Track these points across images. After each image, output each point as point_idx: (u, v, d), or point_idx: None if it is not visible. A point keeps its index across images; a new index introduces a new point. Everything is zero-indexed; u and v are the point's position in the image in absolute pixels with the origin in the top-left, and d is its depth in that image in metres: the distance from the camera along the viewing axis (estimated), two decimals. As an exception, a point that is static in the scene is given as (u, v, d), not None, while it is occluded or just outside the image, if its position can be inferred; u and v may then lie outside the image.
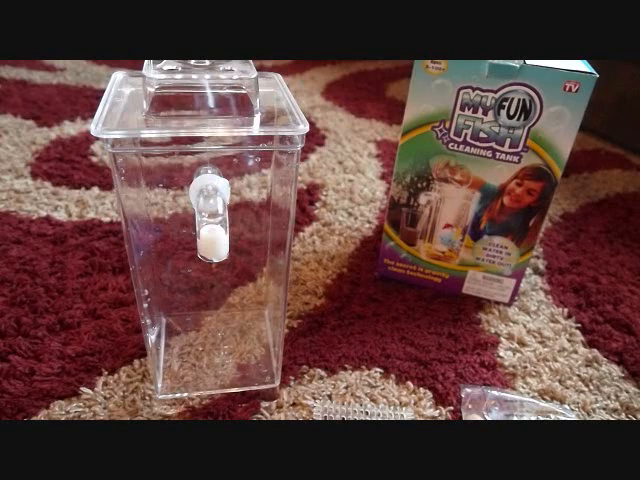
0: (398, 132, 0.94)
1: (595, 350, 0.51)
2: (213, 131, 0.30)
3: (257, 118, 0.32)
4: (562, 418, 0.43)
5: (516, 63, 0.43)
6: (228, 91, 0.31)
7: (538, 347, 0.51)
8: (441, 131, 0.48)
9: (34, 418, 0.40)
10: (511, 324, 0.54)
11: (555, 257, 0.65)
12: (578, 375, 0.48)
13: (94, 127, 0.28)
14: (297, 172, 0.34)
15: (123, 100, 0.32)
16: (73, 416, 0.41)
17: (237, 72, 0.31)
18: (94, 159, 0.76)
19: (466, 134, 0.48)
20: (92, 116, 0.85)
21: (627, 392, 0.47)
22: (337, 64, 1.29)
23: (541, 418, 0.43)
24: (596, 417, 0.45)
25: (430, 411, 0.44)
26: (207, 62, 0.32)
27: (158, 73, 0.30)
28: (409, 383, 0.46)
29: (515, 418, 0.43)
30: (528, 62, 0.43)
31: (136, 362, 0.45)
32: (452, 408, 0.44)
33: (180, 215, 0.44)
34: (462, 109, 0.47)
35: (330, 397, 0.44)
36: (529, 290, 0.59)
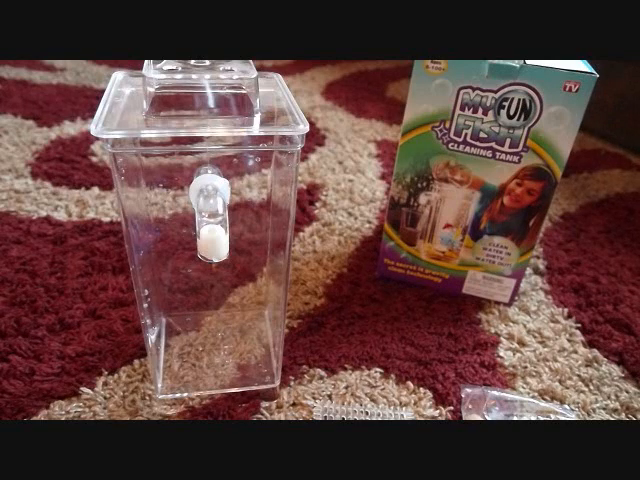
0: (398, 132, 0.94)
1: (595, 350, 0.51)
2: (213, 131, 0.30)
3: (257, 118, 0.32)
4: (562, 418, 0.43)
5: (516, 63, 0.43)
6: (228, 91, 0.31)
7: (538, 347, 0.51)
8: (441, 131, 0.48)
9: (34, 418, 0.40)
10: (511, 324, 0.54)
11: (555, 257, 0.65)
12: (578, 375, 0.48)
13: (94, 127, 0.28)
14: (297, 172, 0.34)
15: (123, 100, 0.32)
16: (73, 416, 0.41)
17: (237, 72, 0.31)
18: (94, 159, 0.76)
19: (466, 134, 0.48)
20: (92, 116, 0.85)
21: (627, 392, 0.47)
22: (337, 64, 1.29)
23: (541, 418, 0.43)
24: (596, 417, 0.45)
25: (430, 411, 0.44)
26: (207, 62, 0.32)
27: (158, 73, 0.30)
28: (409, 383, 0.46)
29: (515, 418, 0.43)
30: (528, 62, 0.43)
31: (136, 362, 0.45)
32: (452, 408, 0.44)
33: (180, 215, 0.44)
34: (462, 109, 0.47)
35: (330, 397, 0.44)
36: (529, 290, 0.59)
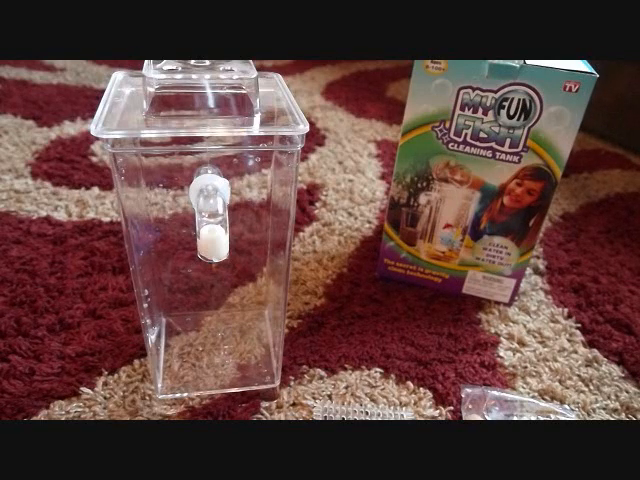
0: (398, 132, 0.94)
1: (595, 350, 0.51)
2: (213, 131, 0.30)
3: (257, 118, 0.32)
4: (562, 418, 0.43)
5: (516, 63, 0.43)
6: (228, 91, 0.31)
7: (538, 347, 0.51)
8: (441, 131, 0.48)
9: (34, 418, 0.40)
10: (511, 324, 0.54)
11: (555, 257, 0.65)
12: (578, 375, 0.48)
13: (94, 127, 0.28)
14: (297, 172, 0.34)
15: (123, 100, 0.32)
16: (73, 416, 0.41)
17: (237, 72, 0.31)
18: (94, 159, 0.76)
19: (466, 134, 0.48)
20: (92, 116, 0.85)
21: (627, 392, 0.47)
22: (337, 64, 1.29)
23: (541, 418, 0.43)
24: (596, 417, 0.45)
25: (430, 411, 0.44)
26: (207, 62, 0.32)
27: (158, 73, 0.30)
28: (409, 383, 0.46)
29: (515, 418, 0.43)
30: (528, 62, 0.43)
31: (136, 362, 0.45)
32: (452, 408, 0.44)
33: (180, 215, 0.44)
34: (462, 109, 0.47)
35: (330, 397, 0.44)
36: (529, 290, 0.59)
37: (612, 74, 0.90)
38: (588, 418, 0.44)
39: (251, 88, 0.31)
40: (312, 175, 0.78)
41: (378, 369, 0.47)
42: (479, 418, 0.43)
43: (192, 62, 0.31)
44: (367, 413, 0.43)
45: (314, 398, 0.44)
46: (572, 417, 0.44)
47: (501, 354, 0.50)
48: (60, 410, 0.41)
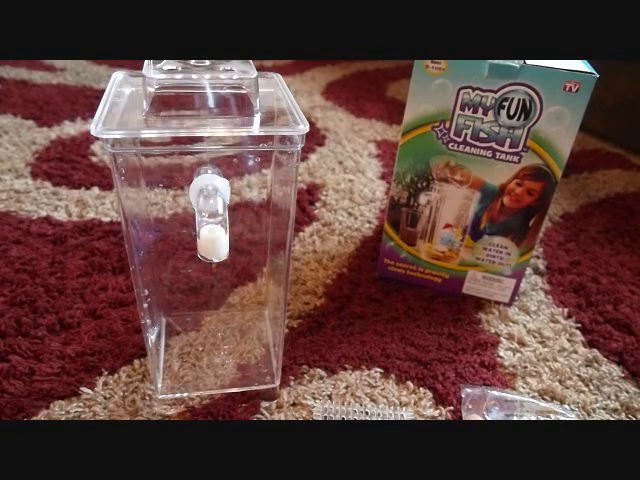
0: (398, 132, 0.94)
1: (595, 350, 0.51)
2: (213, 131, 0.30)
3: (257, 118, 0.32)
4: (562, 418, 0.43)
5: (516, 63, 0.43)
6: (228, 91, 0.31)
7: (538, 347, 0.51)
8: (441, 131, 0.48)
9: (34, 418, 0.40)
10: (511, 324, 0.54)
11: (555, 257, 0.65)
12: (578, 375, 0.48)
13: (94, 127, 0.28)
14: (297, 172, 0.34)
15: (123, 100, 0.32)
16: (73, 416, 0.41)
17: (237, 72, 0.32)
18: (94, 159, 0.76)
19: (466, 134, 0.48)
20: (92, 116, 0.84)
21: (627, 392, 0.47)
22: (337, 64, 1.29)
23: (541, 418, 0.43)
24: (596, 417, 0.45)
25: (430, 411, 0.44)
26: (207, 62, 0.32)
27: (158, 73, 0.30)
28: (409, 383, 0.46)
29: (515, 418, 0.43)
30: (528, 62, 0.43)
31: (136, 362, 0.45)
32: (452, 408, 0.44)
33: (180, 215, 0.44)
34: (462, 109, 0.47)
35: (330, 397, 0.44)
36: (529, 290, 0.59)
37: (612, 74, 0.90)
38: (588, 418, 0.44)
39: (251, 88, 0.31)
40: (312, 175, 0.78)
41: (378, 369, 0.47)
42: (479, 418, 0.43)
43: (192, 62, 0.31)
44: (367, 413, 0.43)
45: (314, 398, 0.44)
46: (572, 417, 0.44)
47: (501, 354, 0.50)
48: (60, 410, 0.41)
